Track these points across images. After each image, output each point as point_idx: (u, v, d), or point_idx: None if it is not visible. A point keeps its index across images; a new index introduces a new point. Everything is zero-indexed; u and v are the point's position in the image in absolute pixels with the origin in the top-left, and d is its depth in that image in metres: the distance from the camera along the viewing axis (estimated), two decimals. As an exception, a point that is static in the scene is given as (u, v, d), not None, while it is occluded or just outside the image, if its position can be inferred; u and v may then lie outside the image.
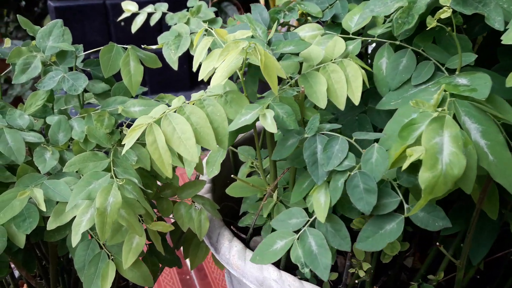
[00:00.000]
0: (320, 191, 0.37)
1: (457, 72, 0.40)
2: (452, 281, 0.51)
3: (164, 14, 0.68)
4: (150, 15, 0.68)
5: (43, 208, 0.40)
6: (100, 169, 0.43)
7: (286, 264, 0.52)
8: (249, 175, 0.64)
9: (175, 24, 0.63)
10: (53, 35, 0.51)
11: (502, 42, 0.34)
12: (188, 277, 1.10)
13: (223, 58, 0.36)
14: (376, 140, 0.38)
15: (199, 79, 0.46)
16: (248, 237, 0.60)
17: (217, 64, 0.39)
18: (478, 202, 0.39)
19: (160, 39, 0.61)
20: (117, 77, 0.54)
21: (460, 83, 0.37)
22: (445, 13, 0.36)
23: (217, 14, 1.55)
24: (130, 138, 0.37)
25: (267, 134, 0.48)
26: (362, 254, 0.43)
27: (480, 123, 0.34)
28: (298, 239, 0.37)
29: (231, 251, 0.55)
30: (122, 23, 1.48)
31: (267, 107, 0.38)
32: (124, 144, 0.51)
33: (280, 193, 0.49)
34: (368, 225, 0.35)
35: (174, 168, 0.54)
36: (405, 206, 0.35)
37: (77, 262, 0.46)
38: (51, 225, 0.42)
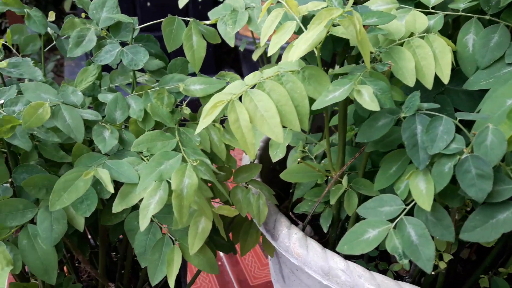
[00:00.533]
0: (417, 177, 0.34)
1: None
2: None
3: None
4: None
5: (111, 190, 0.37)
6: (168, 149, 0.40)
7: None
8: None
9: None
10: (107, 7, 0.48)
11: None
12: (220, 263, 1.08)
13: (314, 27, 0.33)
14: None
15: (268, 54, 0.42)
16: (305, 224, 0.57)
17: (300, 39, 0.35)
18: None
19: (212, 14, 0.57)
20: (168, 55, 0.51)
21: None
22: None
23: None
24: (209, 117, 0.34)
25: (340, 114, 0.45)
26: (444, 245, 0.40)
27: None
28: (394, 228, 0.34)
29: (291, 238, 0.52)
30: (148, 4, 1.44)
31: (359, 83, 0.35)
32: (184, 124, 0.49)
33: (350, 179, 0.46)
34: (476, 214, 0.32)
35: (228, 150, 0.51)
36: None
37: (137, 247, 0.44)
38: (117, 208, 0.39)
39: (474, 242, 0.59)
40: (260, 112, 0.34)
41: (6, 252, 0.37)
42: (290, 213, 0.61)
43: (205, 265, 0.43)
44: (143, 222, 0.38)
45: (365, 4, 0.49)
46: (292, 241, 0.52)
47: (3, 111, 0.42)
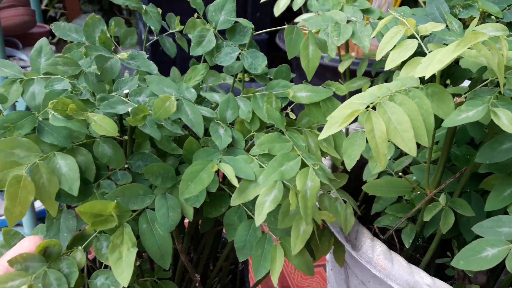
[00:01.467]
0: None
1: None
2: None
3: None
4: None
5: (236, 184, 0.39)
6: (286, 151, 0.42)
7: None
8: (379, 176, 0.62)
9: (327, 10, 0.61)
10: (225, 10, 0.50)
11: None
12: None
13: (459, 47, 0.34)
14: None
15: (386, 68, 0.44)
16: (386, 237, 0.58)
17: (434, 57, 0.37)
18: None
19: (310, 25, 0.59)
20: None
21: None
22: None
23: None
24: (343, 123, 0.36)
25: (448, 134, 0.46)
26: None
27: None
28: (516, 248, 0.35)
29: (375, 250, 0.53)
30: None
31: (491, 105, 0.36)
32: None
33: (448, 198, 0.47)
34: None
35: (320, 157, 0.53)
36: None
37: (237, 242, 0.46)
38: (234, 202, 0.41)
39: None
40: (393, 124, 0.36)
41: (131, 233, 0.39)
42: (375, 227, 0.62)
43: (303, 266, 0.45)
44: (259, 218, 0.40)
45: (475, 28, 0.51)
46: (376, 253, 0.53)
47: (129, 100, 0.45)
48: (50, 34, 1.92)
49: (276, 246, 0.44)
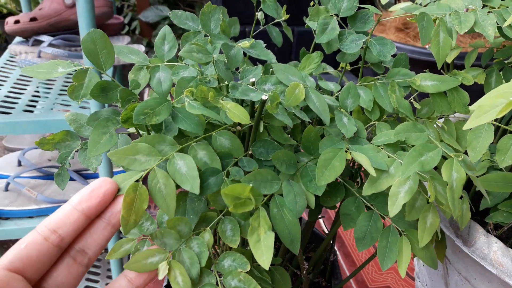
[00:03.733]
0: None
1: None
2: None
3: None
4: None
5: (373, 173, 0.39)
6: (422, 141, 0.41)
7: None
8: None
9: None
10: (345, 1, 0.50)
11: None
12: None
13: None
14: None
15: None
16: (499, 234, 0.56)
17: None
18: None
19: (423, 10, 0.57)
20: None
21: None
22: None
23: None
24: (499, 112, 0.34)
25: None
26: None
27: None
28: None
29: (491, 247, 0.51)
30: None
31: None
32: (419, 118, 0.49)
33: None
34: None
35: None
36: None
37: (357, 232, 0.45)
38: (366, 191, 0.41)
39: None
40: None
41: (267, 217, 0.40)
42: (490, 224, 0.59)
43: (429, 260, 0.44)
44: (393, 209, 0.40)
45: None
46: (492, 249, 0.51)
47: (256, 88, 0.45)
48: (123, 25, 1.99)
49: (402, 238, 0.43)
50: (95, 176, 1.28)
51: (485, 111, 0.36)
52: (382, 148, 0.44)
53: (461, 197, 0.52)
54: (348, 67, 0.61)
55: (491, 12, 0.53)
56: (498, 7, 0.56)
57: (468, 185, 0.66)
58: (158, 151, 0.40)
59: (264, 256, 0.38)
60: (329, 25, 0.48)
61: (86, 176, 1.29)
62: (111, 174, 1.13)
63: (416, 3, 0.62)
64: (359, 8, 0.49)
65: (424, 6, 0.59)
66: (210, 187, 0.42)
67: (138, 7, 2.14)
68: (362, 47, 0.48)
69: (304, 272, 0.53)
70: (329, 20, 0.49)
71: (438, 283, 0.68)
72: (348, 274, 1.04)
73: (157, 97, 0.44)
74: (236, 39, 0.59)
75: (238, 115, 0.41)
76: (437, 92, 0.47)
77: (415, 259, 0.77)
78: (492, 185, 0.54)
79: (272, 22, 0.62)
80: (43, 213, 1.16)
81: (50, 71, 0.44)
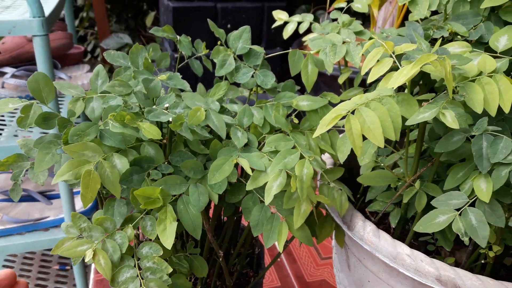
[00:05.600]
0: (480, 179, 0.46)
1: None
2: None
3: (310, 23, 0.79)
4: (299, 24, 0.79)
5: (250, 172, 0.52)
6: (289, 148, 0.54)
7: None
8: (374, 168, 0.74)
9: (317, 34, 0.74)
10: (243, 38, 0.63)
11: None
12: (279, 259, 1.21)
13: (415, 67, 0.46)
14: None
15: (368, 81, 0.56)
16: (376, 220, 0.69)
17: (400, 73, 0.49)
18: None
19: (313, 46, 0.72)
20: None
21: None
22: None
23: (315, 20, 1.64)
24: (329, 124, 0.48)
25: (419, 131, 0.57)
26: (494, 238, 0.52)
27: None
28: (460, 215, 0.47)
29: (365, 229, 0.65)
30: (229, 26, 1.62)
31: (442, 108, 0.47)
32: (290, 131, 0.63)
33: (423, 184, 0.58)
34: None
35: (319, 155, 0.65)
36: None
37: (252, 221, 0.58)
38: (249, 187, 0.54)
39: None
40: (367, 124, 0.48)
41: (172, 211, 0.52)
42: (367, 211, 0.73)
43: (304, 237, 0.57)
44: (268, 199, 0.52)
45: (444, 46, 0.62)
46: (366, 231, 0.65)
47: (169, 111, 0.58)
48: (84, 54, 2.09)
49: (282, 223, 0.56)
50: (57, 196, 1.38)
51: (326, 124, 0.50)
52: (267, 155, 0.57)
53: (343, 190, 0.66)
54: (260, 90, 0.75)
55: (360, 44, 0.68)
56: (368, 39, 0.71)
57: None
58: (102, 150, 0.53)
59: (168, 240, 0.50)
60: (227, 61, 0.62)
61: (49, 196, 1.38)
62: (72, 195, 1.23)
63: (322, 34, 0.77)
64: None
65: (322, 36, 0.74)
66: (133, 182, 0.54)
67: (100, 35, 2.26)
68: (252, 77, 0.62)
69: (220, 259, 0.65)
70: (227, 57, 0.62)
71: (344, 266, 0.81)
72: (289, 270, 1.16)
73: (88, 122, 0.57)
74: (182, 59, 0.72)
75: (152, 132, 0.54)
76: (311, 110, 0.61)
77: (333, 250, 0.90)
78: (370, 181, 0.68)
79: (194, 57, 0.75)
80: (8, 232, 1.24)
81: (2, 107, 0.55)
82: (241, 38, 0.63)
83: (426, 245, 0.68)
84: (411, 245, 0.71)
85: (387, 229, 0.74)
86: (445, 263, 0.55)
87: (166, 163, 0.58)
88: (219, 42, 0.68)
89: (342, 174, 0.73)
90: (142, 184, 0.54)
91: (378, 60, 0.56)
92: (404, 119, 0.51)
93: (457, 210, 0.47)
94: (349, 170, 0.76)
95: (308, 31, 0.90)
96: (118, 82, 0.58)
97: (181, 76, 0.65)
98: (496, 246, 0.52)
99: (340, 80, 0.79)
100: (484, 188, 0.45)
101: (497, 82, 0.52)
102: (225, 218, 0.75)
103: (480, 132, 0.47)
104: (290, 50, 0.61)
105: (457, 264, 0.65)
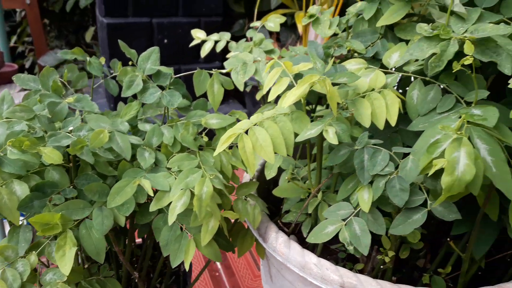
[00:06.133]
0: (364, 190, 0.49)
1: (473, 105, 0.52)
2: (456, 278, 0.62)
3: (227, 42, 0.81)
4: (216, 42, 0.81)
5: (151, 193, 0.52)
6: (193, 167, 0.55)
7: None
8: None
9: (238, 52, 0.76)
10: (151, 59, 0.64)
11: (509, 87, 0.46)
12: (217, 274, 1.22)
13: (300, 86, 0.49)
14: (407, 154, 0.50)
15: (268, 100, 0.58)
16: (290, 231, 0.72)
17: (291, 92, 0.51)
18: (482, 205, 0.51)
19: (227, 64, 0.73)
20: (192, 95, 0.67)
21: (475, 113, 0.49)
22: (468, 61, 0.48)
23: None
24: (224, 144, 0.50)
25: (317, 146, 0.60)
26: (389, 244, 0.55)
27: (488, 144, 0.46)
28: (345, 225, 0.49)
29: (277, 240, 0.67)
30: (165, 41, 1.63)
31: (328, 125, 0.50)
32: (201, 148, 0.64)
33: (324, 194, 0.61)
34: (399, 216, 0.47)
35: (232, 170, 0.67)
36: (429, 202, 0.47)
37: (162, 241, 0.58)
38: (152, 207, 0.54)
39: (428, 252, 0.73)
40: (259, 142, 0.50)
41: (73, 236, 0.52)
42: (279, 222, 0.75)
43: (212, 254, 0.58)
44: (171, 218, 0.53)
45: (343, 64, 0.66)
46: (278, 242, 0.67)
47: (72, 135, 0.58)
48: (21, 71, 2.03)
49: (190, 241, 0.57)
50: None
51: (222, 142, 0.51)
52: (174, 174, 0.58)
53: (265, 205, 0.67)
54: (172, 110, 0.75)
55: (267, 62, 0.70)
56: (278, 58, 0.74)
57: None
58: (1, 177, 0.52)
59: (67, 265, 0.49)
60: (135, 82, 0.62)
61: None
62: None
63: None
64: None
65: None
66: (34, 208, 0.53)
67: (37, 51, 2.19)
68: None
69: (136, 280, 0.65)
70: (134, 78, 0.63)
71: (268, 277, 0.82)
72: (227, 284, 1.17)
73: (-13, 149, 0.55)
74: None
75: (53, 157, 0.53)
76: (220, 127, 0.63)
77: (261, 264, 0.92)
78: (283, 193, 0.71)
79: (110, 76, 0.75)
80: None
81: None
82: (149, 59, 0.64)
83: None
84: (334, 253, 0.73)
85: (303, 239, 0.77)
86: (349, 270, 0.57)
87: (71, 187, 0.58)
88: (130, 62, 0.68)
89: (264, 189, 0.75)
90: (43, 209, 0.53)
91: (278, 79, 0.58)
92: (297, 135, 0.53)
93: (344, 220, 0.50)
94: (273, 183, 0.78)
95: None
96: (20, 107, 0.57)
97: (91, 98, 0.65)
98: (392, 251, 0.56)
99: (258, 97, 0.81)
100: (366, 198, 0.48)
101: (385, 97, 0.56)
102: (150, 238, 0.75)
103: (362, 146, 0.50)
104: (195, 71, 0.62)
105: (374, 269, 0.68)
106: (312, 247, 0.70)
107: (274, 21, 0.79)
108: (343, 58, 0.70)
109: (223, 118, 0.63)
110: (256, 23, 0.82)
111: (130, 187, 0.54)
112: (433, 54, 0.51)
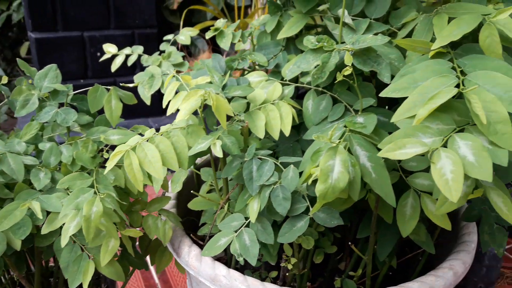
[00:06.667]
0: (254, 200, 0.49)
1: (359, 113, 0.54)
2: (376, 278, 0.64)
3: (139, 55, 0.81)
4: (127, 56, 0.80)
5: (40, 217, 0.51)
6: (85, 186, 0.54)
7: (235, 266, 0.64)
8: (209, 192, 0.76)
9: (149, 65, 0.75)
10: (49, 77, 0.62)
11: (380, 95, 0.48)
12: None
13: (186, 101, 0.49)
14: (298, 162, 0.51)
15: (167, 114, 0.58)
16: (205, 244, 0.71)
17: (181, 106, 0.51)
18: (374, 209, 0.53)
19: (136, 78, 0.73)
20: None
21: (358, 121, 0.51)
22: (347, 71, 0.50)
23: (189, 46, 1.68)
24: (111, 162, 0.49)
25: (221, 158, 0.60)
26: (290, 250, 0.56)
27: (368, 150, 0.48)
28: (236, 236, 0.49)
29: (190, 255, 0.66)
30: (98, 54, 1.59)
31: (217, 138, 0.51)
32: (105, 166, 0.63)
33: (232, 205, 0.61)
34: (286, 224, 0.47)
35: (144, 186, 0.66)
36: (311, 209, 0.49)
37: (62, 262, 0.57)
38: (44, 230, 0.53)
39: (348, 256, 0.75)
40: (148, 158, 0.49)
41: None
42: (192, 236, 0.75)
43: (113, 274, 0.56)
44: (64, 241, 0.52)
45: (245, 76, 0.67)
46: (190, 256, 0.66)
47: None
48: None
49: (89, 262, 0.55)
50: None
51: (111, 159, 0.50)
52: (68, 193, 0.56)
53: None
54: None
55: (175, 76, 0.70)
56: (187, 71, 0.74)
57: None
58: None
59: None
60: (30, 100, 0.60)
61: None
62: None
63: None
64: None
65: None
66: None
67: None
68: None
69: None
70: (30, 97, 0.61)
71: (191, 289, 0.82)
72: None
73: None
74: None
75: None
76: (121, 143, 0.62)
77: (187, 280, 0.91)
78: (197, 205, 0.70)
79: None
80: None
81: None
82: (47, 76, 0.62)
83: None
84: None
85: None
86: (256, 279, 0.58)
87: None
88: (30, 81, 0.66)
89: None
90: None
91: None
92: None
93: (236, 231, 0.50)
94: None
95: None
96: None
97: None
98: (294, 258, 0.56)
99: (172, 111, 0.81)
100: (255, 208, 0.48)
101: (279, 109, 0.57)
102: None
103: (250, 157, 0.51)
104: (91, 88, 0.61)
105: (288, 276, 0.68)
106: (230, 258, 0.70)
107: (185, 35, 0.79)
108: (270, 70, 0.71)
109: (124, 134, 0.62)
110: (169, 36, 0.82)
111: (19, 211, 0.52)
112: (317, 66, 0.53)
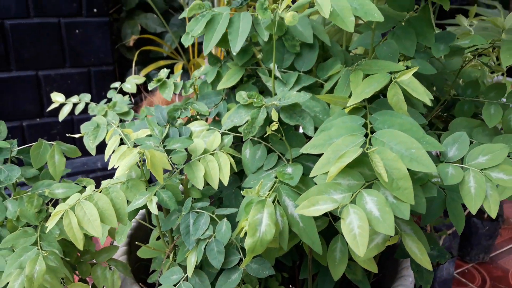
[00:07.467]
0: (192, 253, 0.52)
1: (290, 163, 0.58)
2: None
3: (86, 104, 0.83)
4: (75, 105, 0.82)
5: (-20, 278, 0.51)
6: (29, 244, 0.55)
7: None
8: (159, 237, 0.78)
9: (95, 115, 0.77)
10: (-8, 132, 0.64)
11: (300, 151, 0.52)
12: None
13: (123, 158, 0.52)
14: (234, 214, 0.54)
15: (109, 167, 0.60)
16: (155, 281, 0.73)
17: (119, 163, 0.54)
18: (308, 253, 0.56)
19: (82, 128, 0.75)
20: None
21: (287, 172, 0.55)
22: (274, 126, 0.55)
23: (146, 82, 1.70)
24: (52, 221, 0.51)
25: (164, 209, 0.63)
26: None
27: (295, 200, 0.52)
28: (177, 288, 0.52)
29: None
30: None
31: (155, 194, 0.53)
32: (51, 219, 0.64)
33: (179, 252, 0.63)
34: (221, 277, 0.51)
35: (91, 237, 0.67)
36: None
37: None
38: (-13, 291, 0.53)
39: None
40: (87, 217, 0.51)
41: None
42: (140, 285, 0.76)
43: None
44: (7, 299, 0.52)
45: (187, 126, 0.70)
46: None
47: None
48: None
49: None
50: None
51: (51, 219, 0.52)
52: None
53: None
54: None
55: (119, 126, 0.73)
56: (131, 120, 0.77)
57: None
58: None
59: None
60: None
61: None
62: None
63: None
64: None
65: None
66: None
67: None
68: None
69: None
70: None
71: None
72: None
73: None
74: None
75: None
76: (66, 197, 0.63)
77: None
78: (146, 253, 0.72)
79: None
80: None
81: None
82: (-11, 133, 0.63)
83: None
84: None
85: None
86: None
87: None
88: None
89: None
90: None
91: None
92: (134, 203, 0.56)
93: (175, 285, 0.52)
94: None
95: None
96: None
97: None
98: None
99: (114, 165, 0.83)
100: (192, 262, 0.51)
101: (218, 159, 0.61)
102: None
103: (187, 211, 0.54)
104: (34, 144, 0.63)
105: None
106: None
107: (131, 83, 0.82)
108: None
109: (69, 187, 0.64)
110: (116, 84, 0.84)
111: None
112: (248, 121, 0.57)
